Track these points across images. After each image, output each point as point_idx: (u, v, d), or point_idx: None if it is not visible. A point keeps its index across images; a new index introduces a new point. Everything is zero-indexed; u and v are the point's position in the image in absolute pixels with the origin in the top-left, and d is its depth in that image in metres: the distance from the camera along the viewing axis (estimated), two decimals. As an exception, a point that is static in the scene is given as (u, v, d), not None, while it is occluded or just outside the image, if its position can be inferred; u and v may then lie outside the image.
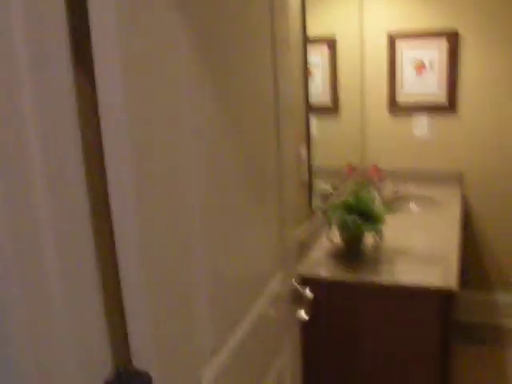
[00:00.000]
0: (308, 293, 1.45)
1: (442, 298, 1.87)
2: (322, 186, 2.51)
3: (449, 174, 3.24)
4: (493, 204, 3.22)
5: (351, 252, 2.15)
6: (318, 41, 2.47)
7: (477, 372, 2.80)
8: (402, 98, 3.20)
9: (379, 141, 3.32)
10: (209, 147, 0.91)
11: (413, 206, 3.02)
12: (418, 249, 2.23)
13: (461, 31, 3.03)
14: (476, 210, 3.24)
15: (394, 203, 2.95)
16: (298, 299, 1.45)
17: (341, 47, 2.77)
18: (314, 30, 2.23)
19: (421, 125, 3.23)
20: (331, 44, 2.67)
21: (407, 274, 1.98)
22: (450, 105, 3.14)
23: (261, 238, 1.23)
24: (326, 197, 2.56)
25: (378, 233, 2.07)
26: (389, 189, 3.08)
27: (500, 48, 3.00)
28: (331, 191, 2.67)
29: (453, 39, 3.04)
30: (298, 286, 1.45)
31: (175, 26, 0.79)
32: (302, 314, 1.42)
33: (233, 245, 1.05)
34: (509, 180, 3.16)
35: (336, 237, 2.19)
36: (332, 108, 2.80)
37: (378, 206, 2.15)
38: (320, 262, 2.11)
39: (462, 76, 3.10)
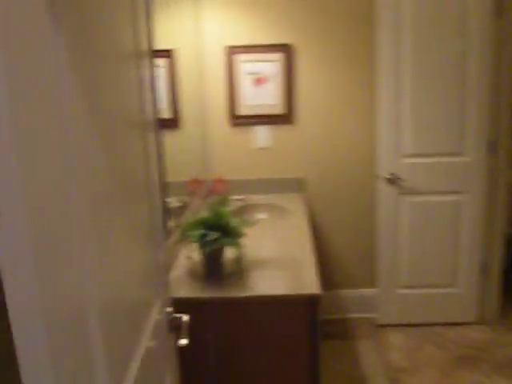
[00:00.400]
0: (184, 317, 1.38)
1: (307, 303, 1.92)
2: (171, 203, 2.44)
3: (292, 181, 3.38)
4: (328, 208, 3.43)
5: (213, 268, 2.12)
6: (156, 54, 2.40)
7: (336, 364, 2.94)
8: (242, 110, 3.26)
9: (223, 153, 3.34)
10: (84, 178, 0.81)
11: (262, 215, 3.08)
12: (277, 258, 2.26)
13: (295, 45, 3.19)
14: (318, 213, 3.41)
15: (242, 214, 2.98)
16: (174, 325, 1.37)
17: (180, 60, 2.72)
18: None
19: (262, 135, 3.32)
20: (170, 57, 2.62)
21: (273, 283, 2.00)
22: (288, 115, 3.27)
23: (139, 267, 1.14)
24: (176, 213, 2.49)
25: (239, 247, 2.06)
26: (236, 200, 3.12)
27: (327, 58, 3.22)
28: (180, 207, 2.61)
29: (288, 52, 3.17)
30: (174, 313, 1.38)
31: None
32: (182, 341, 1.35)
33: (118, 278, 0.95)
34: (340, 182, 3.39)
35: (194, 254, 2.14)
36: (174, 121, 2.74)
37: (236, 220, 2.13)
38: (182, 281, 2.04)
39: (297, 87, 3.25)
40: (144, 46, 1.22)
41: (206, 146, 3.32)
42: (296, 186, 3.38)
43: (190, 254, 2.15)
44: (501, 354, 3.07)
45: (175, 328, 1.36)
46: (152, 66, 1.31)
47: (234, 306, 1.94)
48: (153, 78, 1.31)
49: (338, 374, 2.90)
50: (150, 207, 1.26)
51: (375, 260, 3.42)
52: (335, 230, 3.47)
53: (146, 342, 1.10)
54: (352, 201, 3.43)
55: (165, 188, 2.17)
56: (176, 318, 1.37)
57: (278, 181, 3.38)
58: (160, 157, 1.95)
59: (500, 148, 3.21)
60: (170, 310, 1.38)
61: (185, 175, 2.88)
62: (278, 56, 3.18)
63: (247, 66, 3.20)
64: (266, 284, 2.00)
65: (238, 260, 2.13)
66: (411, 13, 3.01)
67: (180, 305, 1.49)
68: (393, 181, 3.21)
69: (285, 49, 3.18)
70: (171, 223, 2.25)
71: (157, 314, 1.24)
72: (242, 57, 3.18)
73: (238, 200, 3.19)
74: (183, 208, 2.62)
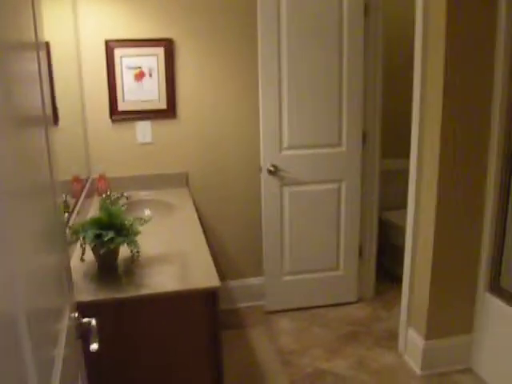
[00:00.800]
0: (93, 321, 1.34)
1: (207, 296, 1.94)
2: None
3: (176, 176, 3.37)
4: (214, 201, 3.48)
5: (108, 269, 2.07)
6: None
7: (232, 353, 3.00)
8: (123, 105, 3.18)
9: (105, 150, 3.24)
10: None
11: (148, 211, 3.04)
12: (172, 253, 2.26)
13: (175, 39, 3.17)
14: (204, 206, 3.44)
15: (129, 212, 2.92)
16: (83, 331, 1.33)
17: (56, 55, 2.59)
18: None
19: (144, 131, 3.27)
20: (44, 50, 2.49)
21: (171, 279, 1.99)
22: (170, 109, 3.26)
23: (44, 271, 1.09)
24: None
25: (135, 245, 2.04)
26: (120, 197, 3.05)
27: (209, 52, 3.25)
28: (65, 207, 2.50)
29: (168, 47, 3.16)
30: (82, 318, 1.34)
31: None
32: (93, 346, 1.31)
33: (20, 282, 0.91)
34: (225, 175, 3.45)
35: (87, 256, 2.07)
36: (51, 117, 2.62)
37: (131, 218, 2.10)
38: (77, 285, 1.97)
39: (179, 81, 3.24)
40: (30, 38, 1.15)
41: (88, 143, 3.20)
42: (181, 180, 3.38)
43: (83, 257, 2.08)
44: (379, 328, 3.33)
45: (84, 333, 1.32)
46: (40, 59, 1.24)
47: (133, 305, 1.91)
48: (41, 72, 1.24)
49: (235, 362, 2.96)
50: (50, 207, 1.21)
51: (261, 249, 3.52)
52: (222, 223, 3.53)
53: (61, 351, 1.06)
54: (238, 193, 3.51)
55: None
56: (84, 323, 1.33)
57: (162, 176, 3.36)
58: (50, 154, 1.86)
59: (371, 139, 3.46)
60: (76, 315, 1.33)
61: (67, 174, 2.76)
62: (158, 50, 3.15)
63: (127, 60, 3.13)
64: (164, 280, 1.99)
65: (134, 258, 2.10)
66: (289, 11, 3.13)
67: (78, 309, 1.44)
68: (275, 172, 3.33)
69: (165, 43, 3.15)
70: (70, 226, 2.15)
71: (67, 320, 1.20)
72: (122, 51, 3.11)
73: (122, 197, 3.12)
74: (68, 208, 2.51)
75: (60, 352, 1.04)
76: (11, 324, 0.71)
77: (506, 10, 2.45)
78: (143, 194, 3.24)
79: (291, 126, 3.29)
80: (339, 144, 3.39)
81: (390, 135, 3.80)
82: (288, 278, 3.54)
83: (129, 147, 3.28)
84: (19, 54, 1.02)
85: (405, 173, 2.92)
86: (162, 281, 1.99)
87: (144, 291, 1.90)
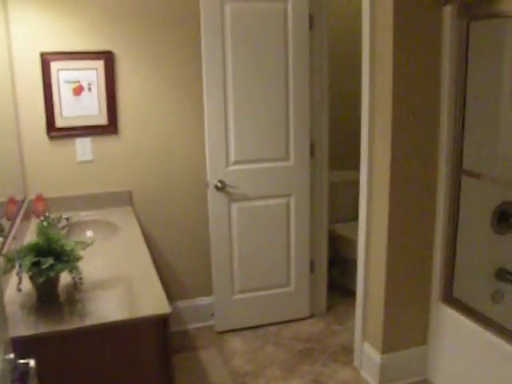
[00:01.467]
0: (31, 362, 1.20)
1: (157, 323, 1.83)
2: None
3: (118, 195, 3.22)
4: (160, 219, 3.34)
5: (48, 298, 1.91)
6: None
7: (185, 378, 2.87)
8: (61, 121, 3.01)
9: (42, 169, 3.05)
10: None
11: (90, 233, 2.88)
12: (117, 278, 2.13)
13: (116, 52, 3.04)
14: (147, 228, 3.29)
15: (69, 235, 2.75)
16: (20, 373, 1.19)
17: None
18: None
19: (84, 148, 3.10)
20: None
21: (118, 307, 1.86)
22: (111, 125, 3.11)
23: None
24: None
25: (77, 271, 1.89)
26: (60, 219, 2.87)
27: (152, 66, 3.14)
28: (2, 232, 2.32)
29: (109, 60, 3.02)
30: (18, 359, 1.19)
31: None
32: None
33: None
34: (171, 193, 3.33)
35: (24, 285, 1.91)
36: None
37: (71, 242, 1.95)
38: (14, 318, 1.80)
39: (121, 96, 3.11)
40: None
41: (24, 163, 3.01)
42: (124, 199, 3.23)
43: (19, 286, 1.91)
44: (333, 343, 3.27)
45: (21, 377, 1.18)
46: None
47: (77, 337, 1.76)
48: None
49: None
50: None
51: (210, 268, 3.41)
52: (168, 242, 3.39)
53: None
54: (184, 210, 3.38)
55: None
56: (21, 364, 1.19)
57: (104, 195, 3.19)
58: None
59: (319, 151, 3.43)
60: (11, 356, 1.19)
61: (2, 195, 2.58)
62: (98, 63, 3.01)
63: (65, 74, 2.97)
64: (110, 308, 1.86)
65: (77, 286, 1.95)
66: (233, 23, 3.06)
67: (15, 346, 1.30)
68: (222, 188, 3.23)
69: (106, 56, 3.01)
70: (4, 253, 1.98)
71: (0, 364, 1.06)
72: (59, 64, 2.94)
73: (61, 219, 2.94)
74: (2, 232, 2.33)
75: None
76: None
77: (451, 17, 2.47)
78: (84, 215, 3.07)
79: (238, 141, 3.21)
80: (287, 157, 3.33)
81: (337, 146, 3.79)
82: (238, 296, 3.43)
83: (68, 165, 3.10)
84: None
85: (352, 184, 2.90)
86: (108, 309, 1.85)
87: (89, 322, 1.76)
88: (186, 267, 3.46)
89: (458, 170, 2.61)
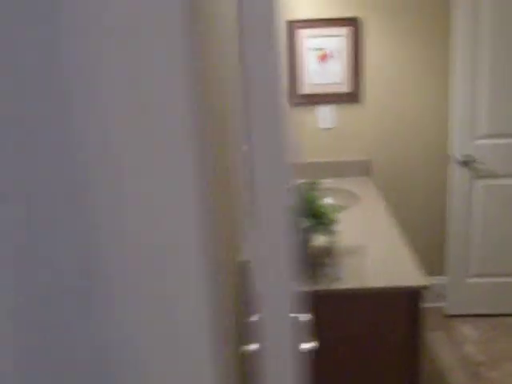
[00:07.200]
0: (307, 317, 1.21)
1: (413, 295, 1.75)
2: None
3: (358, 164, 3.18)
4: (396, 192, 3.23)
5: (302, 259, 1.95)
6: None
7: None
8: (304, 88, 3.06)
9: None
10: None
11: (331, 201, 2.89)
12: (369, 247, 2.09)
13: (363, 19, 2.98)
14: (385, 197, 3.22)
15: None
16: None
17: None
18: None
19: (325, 115, 3.12)
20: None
21: (373, 275, 1.82)
22: (354, 93, 3.07)
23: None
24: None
25: (332, 234, 1.90)
26: (313, 184, 2.93)
27: (401, 35, 3.00)
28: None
29: (355, 27, 2.97)
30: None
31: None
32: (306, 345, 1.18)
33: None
34: (409, 165, 3.19)
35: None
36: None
37: (327, 205, 1.96)
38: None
39: (365, 64, 3.04)
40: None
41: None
42: (362, 168, 3.18)
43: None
44: None
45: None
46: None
47: (328, 299, 1.77)
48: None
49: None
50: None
51: (443, 247, 3.22)
52: (402, 215, 3.26)
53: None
54: (421, 184, 3.23)
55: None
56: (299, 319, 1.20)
57: (343, 164, 3.19)
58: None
59: None
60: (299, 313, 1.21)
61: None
62: (344, 30, 2.97)
63: (310, 41, 2.99)
64: (364, 276, 1.83)
65: (329, 249, 1.96)
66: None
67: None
68: (466, 163, 3.00)
69: (352, 23, 2.96)
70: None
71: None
72: (306, 32, 2.98)
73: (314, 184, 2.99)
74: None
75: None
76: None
77: None
78: (323, 182, 3.09)
79: (491, 112, 2.92)
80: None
81: None
82: (473, 280, 3.19)
83: (309, 132, 3.15)
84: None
85: None
86: (361, 275, 1.82)
87: (341, 285, 1.75)
88: (418, 242, 3.31)
89: None
